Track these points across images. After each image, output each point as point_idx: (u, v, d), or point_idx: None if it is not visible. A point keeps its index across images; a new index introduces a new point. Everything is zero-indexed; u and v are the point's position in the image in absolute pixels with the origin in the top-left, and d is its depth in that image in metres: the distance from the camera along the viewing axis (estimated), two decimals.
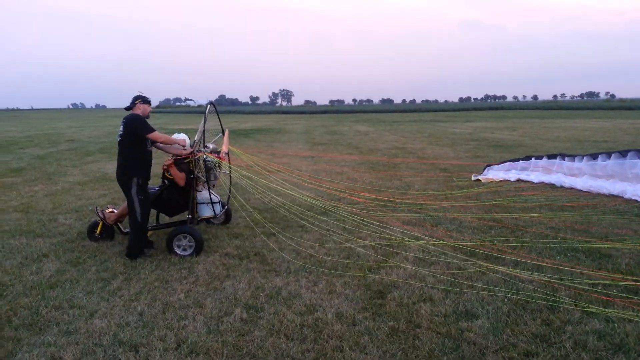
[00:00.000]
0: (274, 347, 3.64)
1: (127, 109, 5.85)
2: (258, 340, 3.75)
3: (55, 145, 21.82)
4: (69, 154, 17.88)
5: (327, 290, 4.67)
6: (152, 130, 5.58)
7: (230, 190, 7.07)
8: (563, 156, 10.24)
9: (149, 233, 6.38)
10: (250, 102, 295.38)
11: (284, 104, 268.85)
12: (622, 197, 8.28)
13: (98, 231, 6.27)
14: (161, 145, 5.98)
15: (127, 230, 6.33)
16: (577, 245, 5.81)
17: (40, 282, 4.92)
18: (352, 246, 5.93)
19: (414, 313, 4.16)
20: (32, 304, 4.40)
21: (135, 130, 5.54)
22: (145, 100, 5.85)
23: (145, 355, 3.54)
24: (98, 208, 6.48)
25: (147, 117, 5.85)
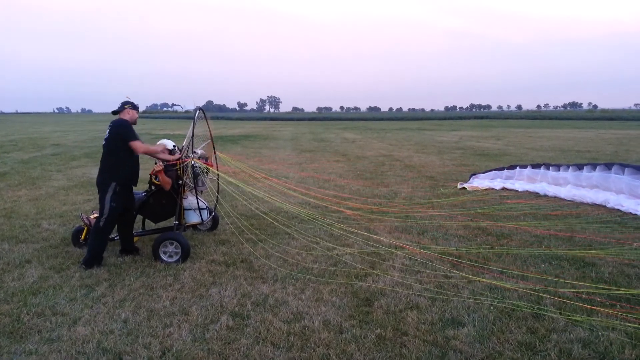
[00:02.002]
0: (261, 356, 3.61)
1: (115, 112, 5.79)
2: (244, 348, 3.72)
3: (40, 149, 21.53)
4: (53, 158, 17.65)
5: (314, 298, 4.66)
6: (136, 138, 5.53)
7: (217, 196, 7.03)
8: (547, 166, 10.38)
9: (135, 239, 6.32)
10: (238, 108, 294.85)
11: (272, 110, 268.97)
12: (605, 206, 8.40)
13: (83, 237, 6.19)
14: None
15: (113, 236, 6.27)
16: (561, 253, 5.87)
17: (22, 289, 4.84)
18: (339, 254, 5.92)
19: (400, 321, 4.17)
20: (14, 311, 4.31)
21: (121, 136, 5.50)
22: (134, 106, 5.83)
23: None
24: (83, 214, 6.40)
25: (135, 123, 5.81)
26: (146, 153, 5.75)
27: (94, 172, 13.76)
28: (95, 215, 6.32)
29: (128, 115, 5.74)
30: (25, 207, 8.72)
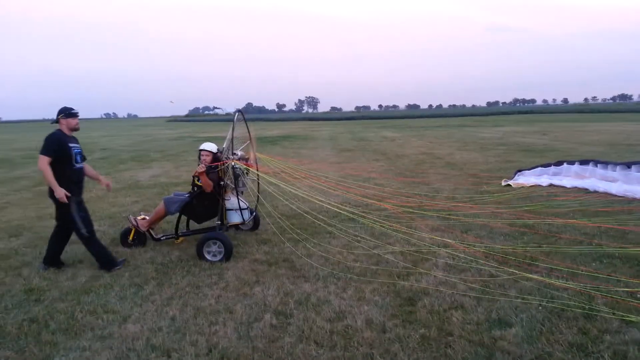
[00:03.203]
0: (304, 354, 3.63)
1: (53, 123, 5.56)
2: (288, 346, 3.75)
3: (90, 153, 22.25)
4: (102, 162, 18.34)
5: (356, 297, 4.65)
6: (45, 155, 5.23)
7: (258, 197, 7.12)
8: (596, 162, 9.98)
9: (180, 239, 6.48)
10: (276, 109, 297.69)
11: (310, 110, 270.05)
12: None
13: (131, 237, 6.40)
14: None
15: (159, 236, 6.46)
16: (613, 251, 5.63)
17: (76, 288, 5.05)
18: (380, 253, 5.89)
19: (445, 321, 4.10)
20: (68, 309, 4.51)
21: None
22: (68, 114, 5.49)
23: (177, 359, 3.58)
24: (130, 215, 6.62)
25: (76, 129, 5.57)
26: (41, 170, 5.33)
27: (140, 174, 14.25)
28: (143, 216, 6.53)
29: (64, 125, 5.47)
30: None
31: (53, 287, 5.07)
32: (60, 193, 5.25)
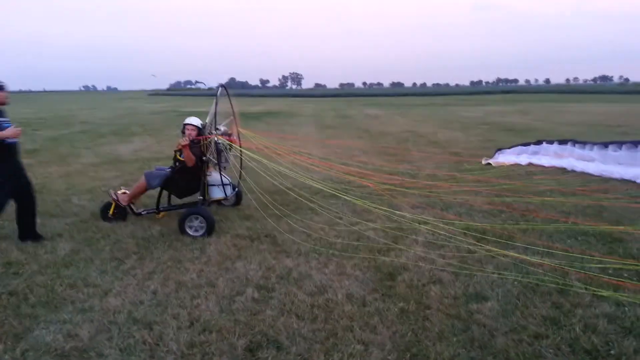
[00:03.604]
0: (286, 327, 3.69)
1: None
2: (270, 319, 3.81)
3: (68, 127, 21.98)
4: (81, 135, 18.02)
5: (337, 272, 4.71)
6: None
7: (240, 172, 7.10)
8: (574, 142, 10.15)
9: (161, 214, 6.45)
10: (260, 85, 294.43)
11: (294, 87, 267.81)
12: (635, 181, 8.20)
13: (111, 212, 6.35)
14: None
15: (140, 210, 6.42)
16: (588, 229, 5.78)
17: (55, 261, 5.01)
18: (362, 229, 5.95)
19: (423, 295, 4.20)
20: (48, 282, 4.48)
21: None
22: None
23: (159, 332, 3.61)
24: (111, 190, 6.56)
25: (5, 103, 5.32)
26: None
27: (121, 148, 14.06)
28: (123, 190, 6.47)
29: None
30: (56, 183, 8.95)
31: (32, 261, 5.02)
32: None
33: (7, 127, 5.20)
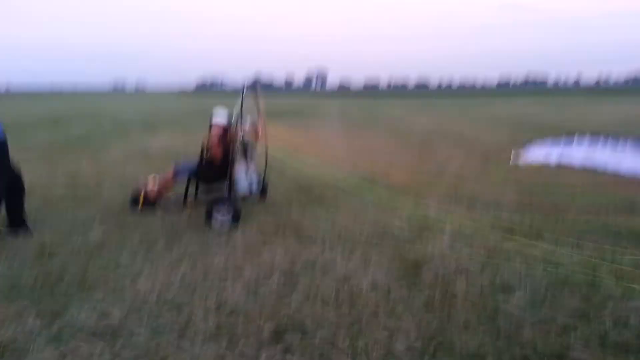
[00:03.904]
0: (311, 312, 3.72)
1: None
2: (295, 304, 3.84)
3: (99, 123, 22.50)
4: (112, 130, 18.44)
5: (362, 261, 4.73)
6: None
7: (266, 166, 7.17)
8: (607, 139, 9.93)
9: (189, 204, 6.56)
10: (284, 84, 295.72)
11: (319, 86, 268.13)
12: None
13: (140, 201, 6.49)
14: None
15: (169, 200, 6.54)
16: (621, 224, 5.66)
17: (88, 245, 5.15)
18: (387, 222, 5.95)
19: (449, 284, 4.17)
20: (81, 264, 4.60)
21: None
22: None
23: (188, 314, 3.68)
24: (141, 180, 6.69)
25: None
26: None
27: (149, 142, 14.32)
28: (153, 182, 6.59)
29: None
30: (88, 175, 9.18)
31: (67, 244, 5.17)
32: None
33: None
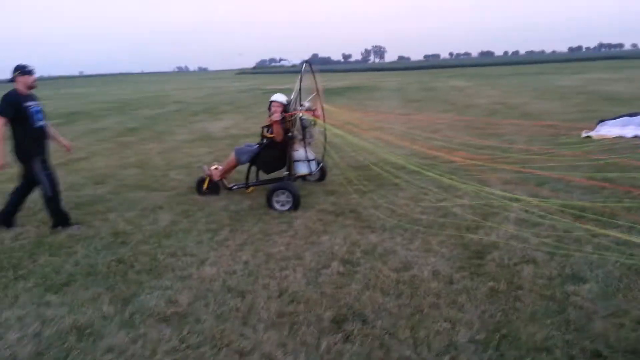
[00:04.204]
0: (371, 301, 3.73)
1: (10, 81, 5.37)
2: (355, 293, 3.86)
3: (164, 106, 23.37)
4: (176, 114, 19.10)
5: (422, 249, 4.66)
6: (4, 114, 5.10)
7: (324, 148, 7.18)
8: None
9: (250, 189, 6.71)
10: (342, 60, 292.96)
11: (377, 60, 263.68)
12: None
13: (205, 186, 6.72)
14: None
15: (232, 185, 6.72)
16: None
17: (157, 232, 5.42)
18: (448, 206, 5.81)
19: (515, 274, 4.04)
20: (151, 251, 4.86)
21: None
22: (24, 71, 5.28)
23: (251, 301, 3.80)
24: (204, 165, 6.91)
25: (31, 87, 5.37)
26: None
27: (212, 126, 14.73)
28: (216, 166, 6.80)
29: (20, 83, 5.27)
30: (155, 159, 9.61)
31: (137, 231, 5.46)
32: (1, 161, 5.18)
33: (37, 110, 5.34)
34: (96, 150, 11.08)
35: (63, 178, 8.19)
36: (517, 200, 5.79)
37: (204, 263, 4.54)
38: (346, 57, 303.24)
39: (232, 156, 6.67)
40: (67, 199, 6.83)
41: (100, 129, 15.14)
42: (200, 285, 4.09)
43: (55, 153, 9.83)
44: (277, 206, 5.99)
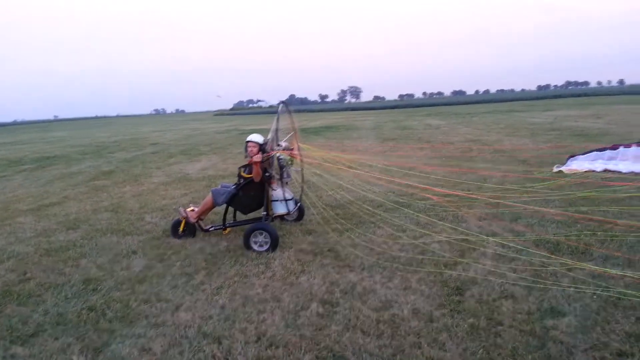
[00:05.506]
0: (351, 342, 3.66)
1: None
2: (335, 334, 3.79)
3: (141, 148, 23.19)
4: (153, 156, 18.95)
5: (402, 286, 4.63)
6: None
7: (302, 187, 7.18)
8: None
9: (228, 230, 6.63)
10: (319, 100, 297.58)
11: (353, 100, 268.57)
12: None
13: (181, 229, 6.60)
14: None
15: (208, 227, 6.63)
16: None
17: (130, 277, 5.27)
18: (426, 243, 5.82)
19: (494, 310, 4.03)
20: (123, 298, 4.71)
21: None
22: None
23: (227, 347, 3.69)
24: (180, 207, 6.82)
25: None
26: None
27: (189, 168, 14.64)
28: (192, 208, 6.72)
29: None
30: (130, 202, 9.45)
31: (109, 277, 5.31)
32: None
33: None
34: (70, 195, 10.86)
35: (35, 224, 8.02)
36: (493, 235, 5.83)
37: (178, 308, 4.41)
38: (323, 97, 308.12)
39: (208, 197, 6.60)
40: (38, 246, 6.65)
41: (75, 173, 14.90)
42: (174, 332, 3.96)
43: (27, 199, 9.59)
44: (254, 247, 5.91)
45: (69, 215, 8.70)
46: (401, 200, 7.61)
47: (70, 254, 6.24)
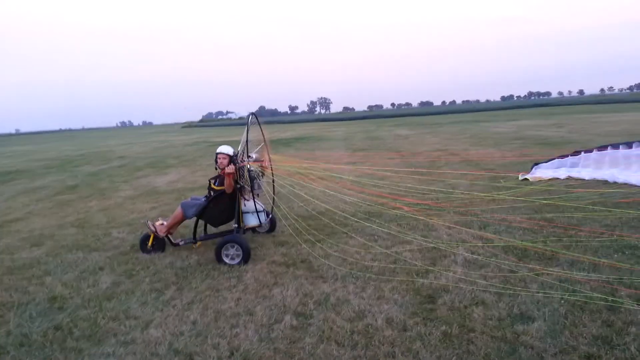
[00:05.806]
0: (326, 354, 3.64)
1: None
2: (309, 347, 3.76)
3: (107, 162, 22.70)
4: (119, 170, 18.56)
5: (375, 296, 4.64)
6: None
7: (273, 199, 7.15)
8: (615, 145, 9.82)
9: (198, 244, 6.53)
10: (289, 111, 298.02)
11: (323, 111, 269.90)
12: None
13: (150, 243, 6.46)
14: None
15: (178, 241, 6.52)
16: (636, 242, 5.53)
17: (97, 295, 5.11)
18: (398, 252, 5.86)
19: (466, 317, 4.07)
20: (91, 316, 4.57)
21: None
22: None
23: None
24: (149, 221, 6.69)
25: None
26: None
27: (157, 181, 14.40)
28: (161, 221, 6.60)
29: None
30: (96, 217, 9.21)
31: (75, 295, 5.14)
32: None
33: None
34: (34, 210, 10.52)
35: None
36: (462, 242, 5.92)
37: (148, 325, 4.30)
38: (293, 108, 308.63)
39: (178, 210, 6.50)
40: (0, 263, 6.41)
41: (39, 188, 14.46)
42: (145, 350, 3.86)
43: None
44: (226, 260, 5.83)
45: (33, 231, 8.43)
46: (372, 210, 7.64)
47: (34, 272, 6.03)
